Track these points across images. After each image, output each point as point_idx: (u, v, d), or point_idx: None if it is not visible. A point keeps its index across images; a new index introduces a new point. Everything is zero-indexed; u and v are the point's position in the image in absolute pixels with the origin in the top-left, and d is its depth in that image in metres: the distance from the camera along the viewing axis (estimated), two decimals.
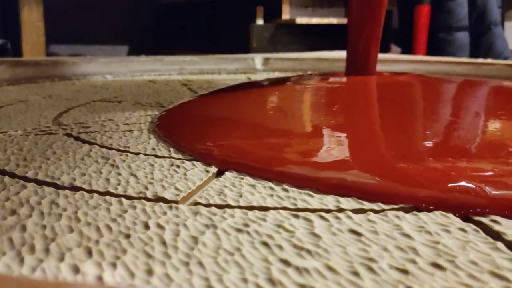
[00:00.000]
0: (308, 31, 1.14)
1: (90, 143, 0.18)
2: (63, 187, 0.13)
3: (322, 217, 0.11)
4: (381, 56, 0.51)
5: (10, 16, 0.99)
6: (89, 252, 0.09)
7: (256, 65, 0.43)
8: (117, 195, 0.12)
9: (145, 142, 0.18)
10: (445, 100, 0.25)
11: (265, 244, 0.10)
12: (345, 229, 0.10)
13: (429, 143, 0.16)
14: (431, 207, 0.11)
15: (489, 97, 0.27)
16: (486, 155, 0.15)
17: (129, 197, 0.12)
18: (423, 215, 0.11)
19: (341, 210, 0.12)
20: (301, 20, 1.08)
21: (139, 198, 0.12)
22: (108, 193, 0.13)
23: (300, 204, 0.12)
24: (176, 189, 0.13)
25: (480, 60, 0.44)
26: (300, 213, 0.11)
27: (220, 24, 1.23)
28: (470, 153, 0.15)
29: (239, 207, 0.12)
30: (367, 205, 0.12)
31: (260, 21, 1.07)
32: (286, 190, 0.13)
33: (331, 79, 0.29)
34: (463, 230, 0.10)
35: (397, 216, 0.11)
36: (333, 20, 1.13)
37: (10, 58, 0.66)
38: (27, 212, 0.11)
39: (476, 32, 0.94)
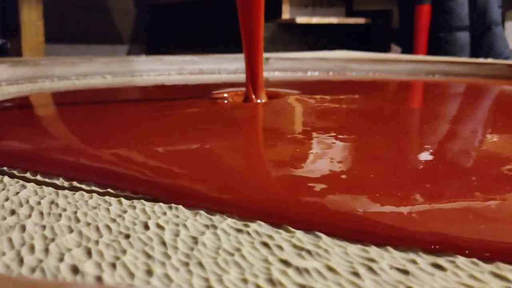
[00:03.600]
0: (308, 31, 1.14)
1: None
2: (62, 187, 0.13)
3: None
4: (381, 56, 0.51)
5: (10, 15, 0.99)
6: (88, 253, 0.09)
7: None
8: (116, 195, 0.12)
9: None
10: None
11: (265, 244, 0.10)
12: None
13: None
14: None
15: None
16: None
17: (128, 197, 0.12)
18: None
19: None
20: (301, 19, 1.08)
21: (138, 198, 0.12)
22: (107, 193, 0.12)
23: None
24: None
25: (481, 60, 0.44)
26: None
27: (220, 24, 1.23)
28: None
29: None
30: None
31: None
32: None
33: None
34: None
35: None
36: (333, 20, 1.13)
37: (10, 57, 0.66)
38: (26, 212, 0.11)
39: (477, 32, 0.94)
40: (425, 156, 0.16)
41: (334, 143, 0.17)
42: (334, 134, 0.18)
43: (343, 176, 0.13)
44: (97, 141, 0.17)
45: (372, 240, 0.10)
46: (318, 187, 0.12)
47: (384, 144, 0.17)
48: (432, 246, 0.09)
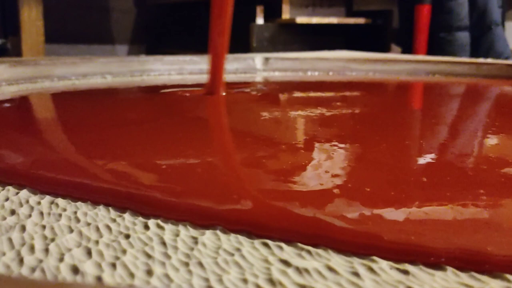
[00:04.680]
0: (308, 31, 1.14)
1: None
2: None
3: None
4: (381, 56, 0.51)
5: (10, 15, 0.99)
6: (88, 252, 0.09)
7: (256, 65, 0.43)
8: None
9: None
10: None
11: (265, 244, 0.10)
12: None
13: None
14: None
15: None
16: None
17: None
18: None
19: None
20: (301, 19, 1.08)
21: None
22: None
23: None
24: None
25: (481, 60, 0.44)
26: None
27: None
28: None
29: None
30: None
31: (260, 21, 1.07)
32: None
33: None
34: None
35: None
36: (333, 20, 1.13)
37: (10, 57, 0.66)
38: (26, 212, 0.11)
39: (477, 32, 0.94)
40: (426, 164, 0.16)
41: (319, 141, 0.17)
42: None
43: (339, 189, 0.12)
44: (91, 154, 0.16)
45: (376, 254, 0.09)
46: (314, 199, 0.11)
47: (382, 148, 0.17)
48: (432, 258, 0.09)
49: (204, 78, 0.40)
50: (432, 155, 0.17)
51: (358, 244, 0.09)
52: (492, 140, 0.19)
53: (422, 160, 0.16)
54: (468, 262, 0.09)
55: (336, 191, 0.12)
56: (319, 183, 0.13)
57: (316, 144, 0.17)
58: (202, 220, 0.11)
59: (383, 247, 0.09)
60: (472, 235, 0.10)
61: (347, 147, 0.17)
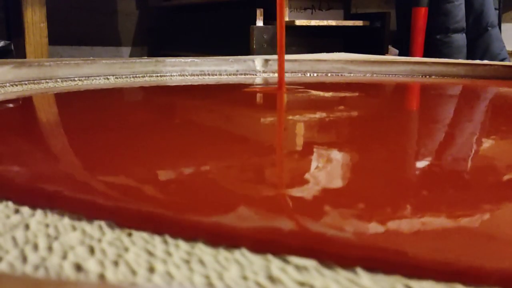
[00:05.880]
0: (307, 33, 1.14)
1: None
2: None
3: None
4: (378, 58, 0.51)
5: (14, 17, 0.99)
6: (91, 250, 0.09)
7: (256, 67, 0.43)
8: None
9: None
10: None
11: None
12: None
13: None
14: None
15: None
16: None
17: None
18: None
19: None
20: (300, 22, 1.09)
21: None
22: None
23: None
24: None
25: (477, 62, 0.44)
26: None
27: (221, 26, 1.24)
28: None
29: None
30: None
31: (260, 23, 1.07)
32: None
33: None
34: None
35: None
36: (332, 22, 1.14)
37: (14, 59, 0.66)
38: (30, 210, 0.11)
39: (473, 34, 0.94)
40: (426, 171, 0.15)
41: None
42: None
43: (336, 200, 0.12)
44: (89, 166, 0.15)
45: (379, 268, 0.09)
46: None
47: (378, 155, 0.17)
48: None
49: (204, 80, 0.40)
50: (434, 161, 0.16)
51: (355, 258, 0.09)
52: (492, 144, 0.19)
53: (422, 166, 0.16)
54: (458, 272, 0.09)
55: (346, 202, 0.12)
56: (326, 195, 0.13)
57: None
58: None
59: (382, 259, 0.09)
60: (462, 244, 0.10)
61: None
